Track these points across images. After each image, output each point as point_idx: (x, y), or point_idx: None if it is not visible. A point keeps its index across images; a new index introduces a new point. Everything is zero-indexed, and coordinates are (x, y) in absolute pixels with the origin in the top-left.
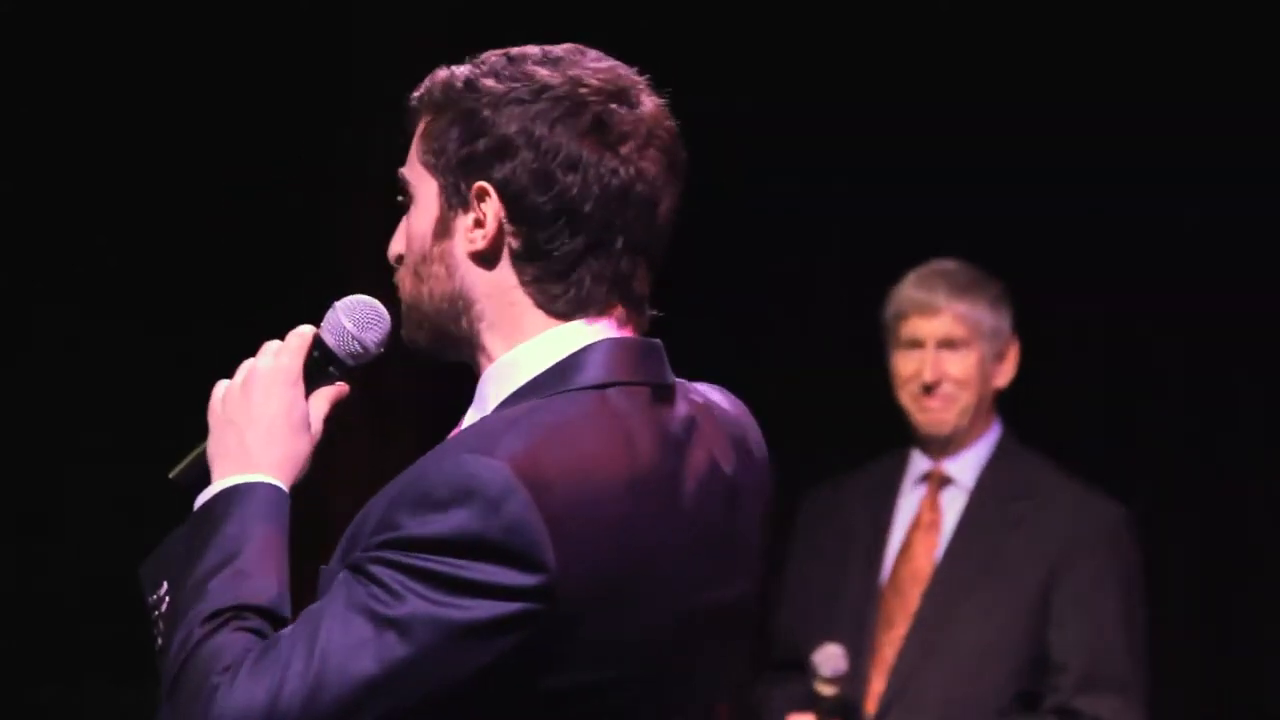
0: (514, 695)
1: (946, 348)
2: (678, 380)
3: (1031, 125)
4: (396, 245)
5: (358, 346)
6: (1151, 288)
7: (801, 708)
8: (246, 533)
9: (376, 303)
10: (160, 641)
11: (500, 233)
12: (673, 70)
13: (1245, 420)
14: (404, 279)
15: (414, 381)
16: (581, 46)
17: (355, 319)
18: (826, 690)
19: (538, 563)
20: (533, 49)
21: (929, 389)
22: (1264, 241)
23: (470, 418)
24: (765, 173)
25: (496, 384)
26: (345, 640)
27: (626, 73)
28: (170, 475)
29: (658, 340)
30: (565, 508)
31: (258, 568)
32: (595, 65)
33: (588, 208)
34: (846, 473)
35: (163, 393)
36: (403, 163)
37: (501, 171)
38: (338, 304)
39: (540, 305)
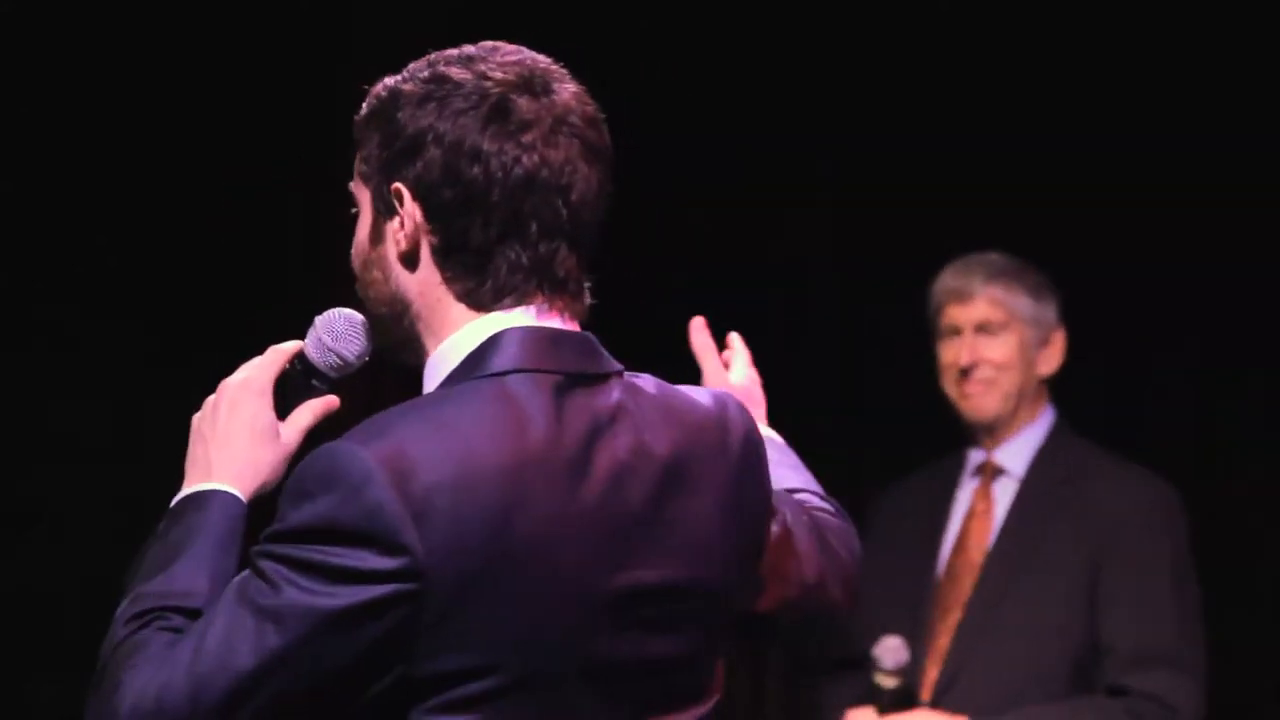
0: (396, 680)
1: (984, 333)
2: (632, 374)
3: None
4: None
5: (335, 359)
6: (1159, 286)
7: (861, 701)
8: (188, 538)
9: (356, 314)
10: None
11: (418, 231)
12: (671, 68)
13: (1247, 418)
14: (359, 287)
15: (411, 387)
16: (499, 43)
17: (331, 332)
18: (888, 683)
19: (398, 545)
20: (452, 50)
21: (966, 373)
22: (1270, 234)
23: None
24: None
25: (428, 380)
26: (228, 634)
27: (536, 63)
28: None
29: (586, 333)
30: (432, 492)
31: (191, 571)
32: (503, 59)
33: (494, 197)
34: (912, 471)
35: (163, 393)
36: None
37: (414, 171)
38: (318, 318)
39: (462, 299)
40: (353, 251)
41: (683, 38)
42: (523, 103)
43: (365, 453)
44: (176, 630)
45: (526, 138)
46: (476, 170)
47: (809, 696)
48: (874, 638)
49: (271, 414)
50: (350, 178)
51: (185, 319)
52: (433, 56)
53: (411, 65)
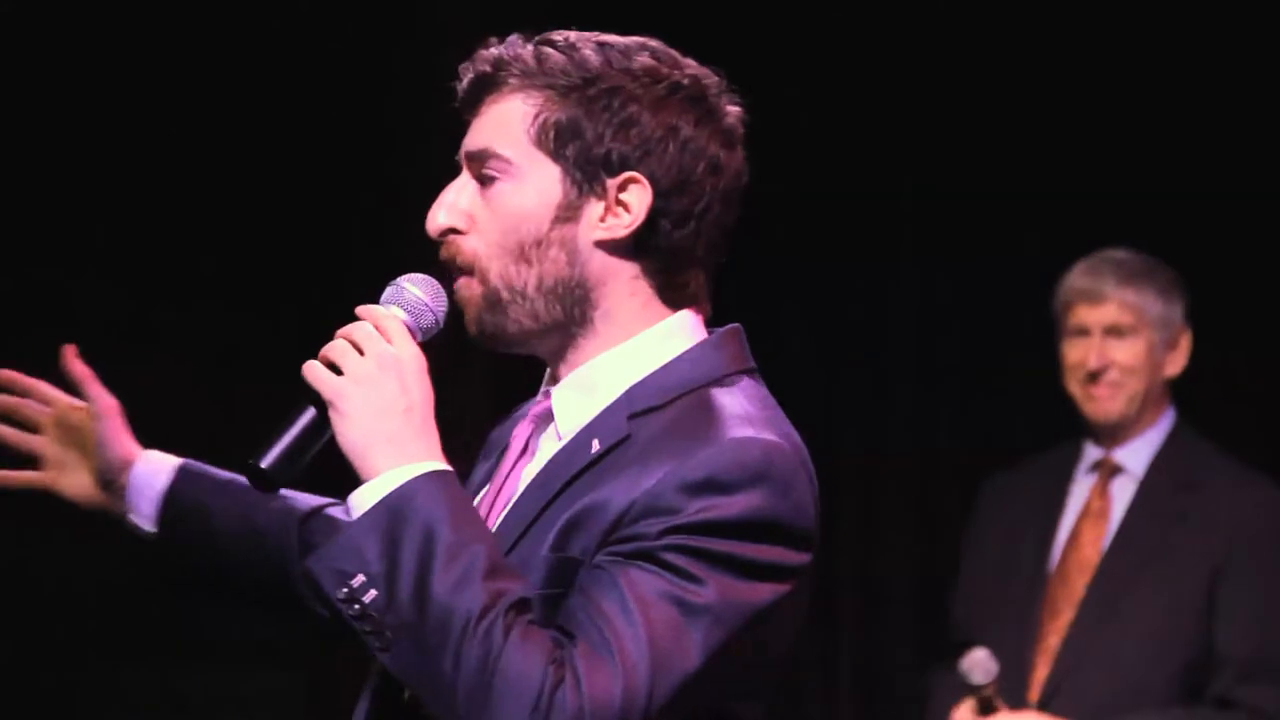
0: (765, 667)
1: (1113, 335)
2: None
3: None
4: (453, 219)
5: (432, 320)
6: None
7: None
8: (471, 526)
9: (432, 278)
10: (390, 635)
11: (644, 224)
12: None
13: None
14: (488, 260)
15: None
16: (655, 40)
17: (427, 292)
18: (987, 690)
19: (811, 542)
20: (612, 37)
21: (1094, 376)
22: None
23: (568, 401)
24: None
25: (613, 370)
26: (664, 630)
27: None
28: (263, 465)
29: None
30: (815, 486)
31: (502, 560)
32: (694, 63)
33: (717, 209)
34: (1024, 459)
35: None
36: (458, 139)
37: (650, 166)
38: (402, 281)
39: (658, 295)
40: (503, 224)
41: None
42: (736, 115)
43: (787, 445)
44: (538, 623)
45: (740, 152)
46: (712, 181)
47: (887, 690)
48: (985, 628)
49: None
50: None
51: (250, 311)
52: (604, 39)
53: (580, 45)
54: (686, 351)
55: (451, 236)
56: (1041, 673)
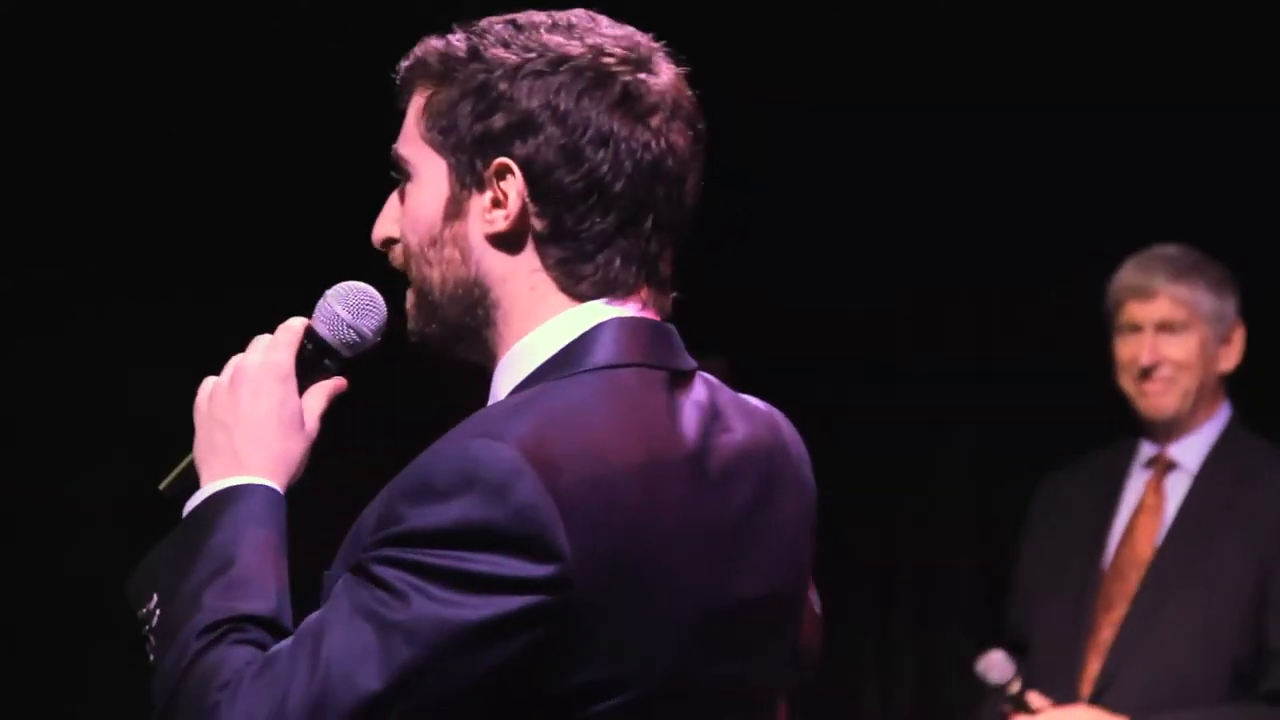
0: (529, 693)
1: (1165, 331)
2: (699, 371)
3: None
4: (386, 228)
5: (354, 335)
6: None
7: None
8: (240, 539)
9: (370, 288)
10: (153, 658)
11: (523, 213)
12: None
13: None
14: (409, 265)
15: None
16: (592, 13)
17: (349, 306)
18: (1013, 688)
19: (551, 551)
20: (539, 15)
21: (1147, 373)
22: None
23: None
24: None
25: (509, 374)
26: (349, 648)
27: (645, 40)
28: (160, 487)
29: (671, 325)
30: (577, 491)
31: (254, 576)
32: (614, 33)
33: (619, 186)
34: (1079, 456)
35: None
36: (394, 138)
37: (524, 149)
38: (329, 292)
39: (564, 288)
40: (406, 224)
41: (708, 26)
42: (649, 83)
43: (508, 447)
44: (255, 643)
45: (654, 122)
46: (603, 155)
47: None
48: (1040, 626)
49: (298, 401)
50: (393, 140)
51: (250, 311)
52: (519, 20)
53: (489, 26)
54: (566, 345)
55: (392, 246)
56: (1094, 668)
